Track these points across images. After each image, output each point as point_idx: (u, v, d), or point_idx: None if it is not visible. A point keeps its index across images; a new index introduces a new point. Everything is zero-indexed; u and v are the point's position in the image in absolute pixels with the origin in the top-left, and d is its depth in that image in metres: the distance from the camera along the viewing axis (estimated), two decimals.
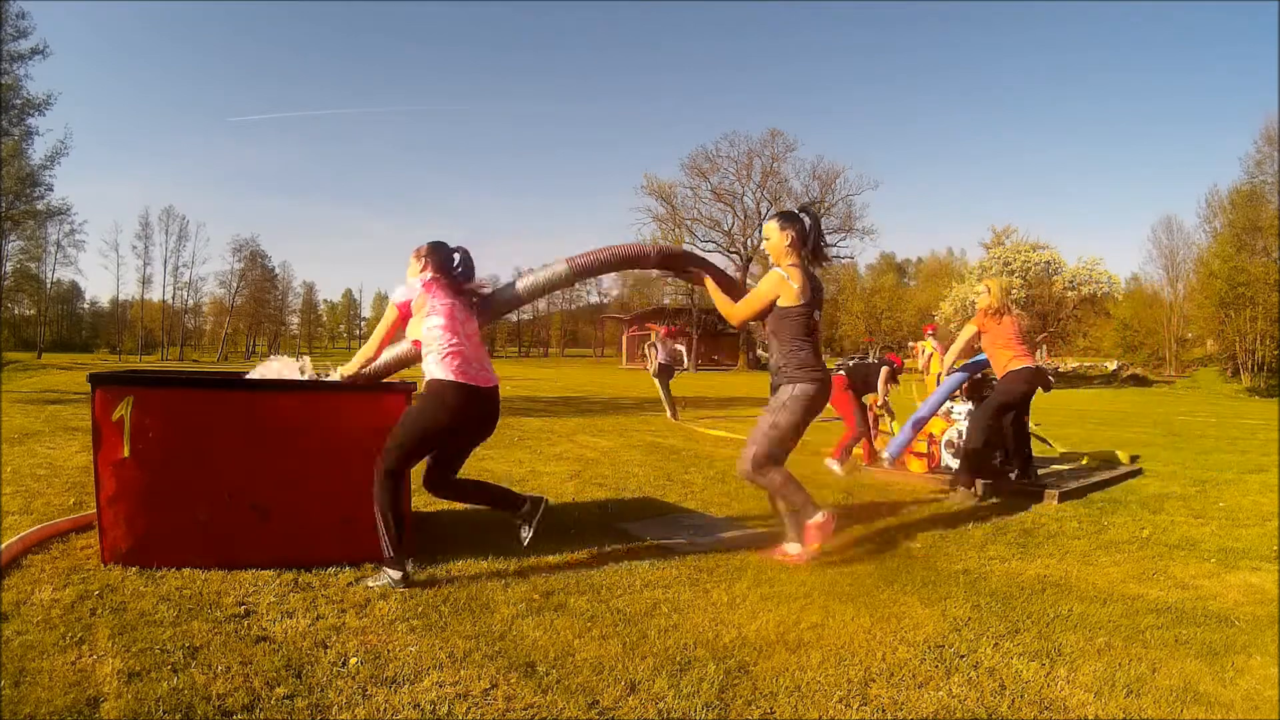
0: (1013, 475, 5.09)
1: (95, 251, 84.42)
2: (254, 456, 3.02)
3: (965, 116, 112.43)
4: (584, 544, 3.58)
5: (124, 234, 77.27)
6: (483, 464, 5.88)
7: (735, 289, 3.70)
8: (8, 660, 2.12)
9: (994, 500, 4.81)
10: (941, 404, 5.68)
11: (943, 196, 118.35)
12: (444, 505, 4.45)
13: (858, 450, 6.18)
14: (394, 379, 3.36)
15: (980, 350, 5.18)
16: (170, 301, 63.65)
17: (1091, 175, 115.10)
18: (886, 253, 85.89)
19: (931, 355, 11.26)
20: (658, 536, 3.73)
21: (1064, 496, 4.83)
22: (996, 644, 2.45)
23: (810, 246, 3.46)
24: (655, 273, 55.57)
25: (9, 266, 37.20)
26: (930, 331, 12.33)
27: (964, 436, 5.23)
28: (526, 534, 3.21)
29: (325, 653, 2.26)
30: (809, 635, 2.50)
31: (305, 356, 3.44)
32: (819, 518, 3.28)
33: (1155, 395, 24.26)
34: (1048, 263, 32.42)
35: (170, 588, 2.75)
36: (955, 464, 5.40)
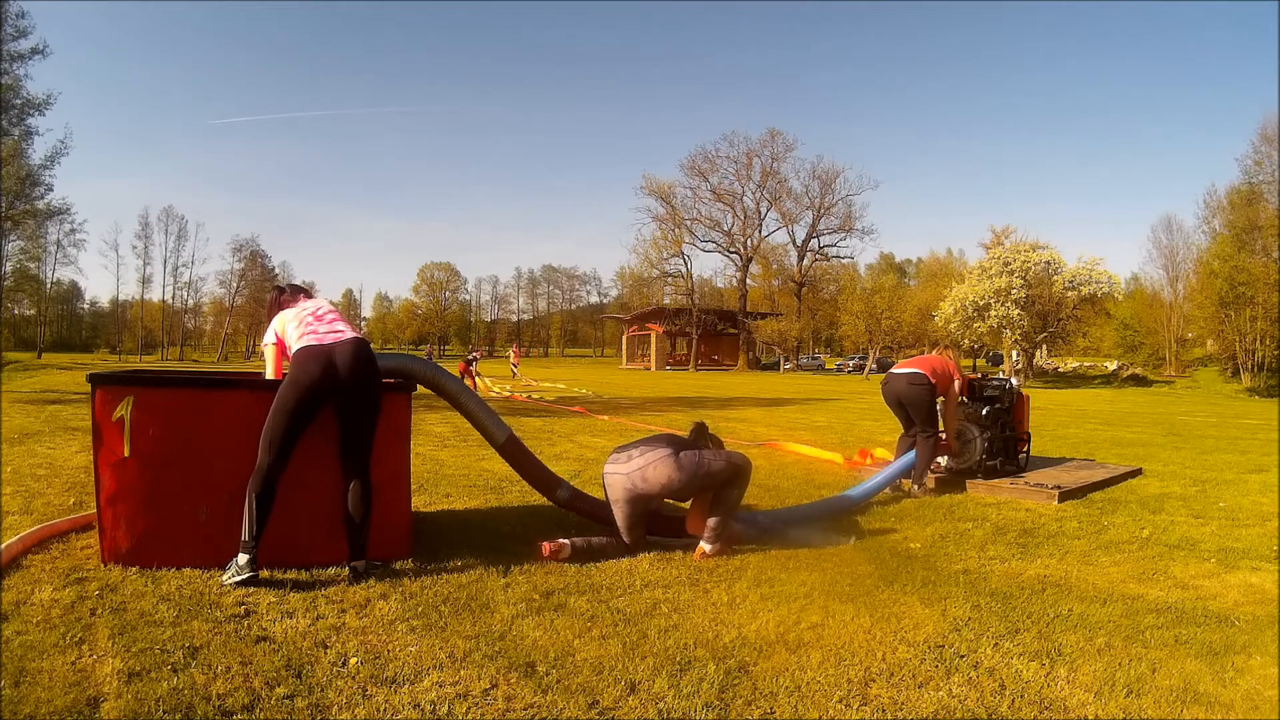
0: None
1: (95, 251, 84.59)
2: (254, 456, 3.02)
3: (966, 116, 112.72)
4: None
5: (124, 234, 77.61)
6: (482, 464, 5.87)
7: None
8: (8, 660, 2.12)
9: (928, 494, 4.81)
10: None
11: (943, 196, 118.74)
12: (444, 505, 4.45)
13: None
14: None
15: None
16: (170, 301, 63.72)
17: (1091, 175, 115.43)
18: (886, 253, 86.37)
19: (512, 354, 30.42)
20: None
21: (1064, 496, 4.83)
22: (996, 644, 2.45)
23: None
24: (656, 271, 56.10)
25: (9, 266, 37.12)
26: (515, 346, 27.92)
27: None
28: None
29: (325, 653, 2.26)
30: (809, 635, 2.50)
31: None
32: None
33: (1155, 395, 24.26)
34: (1048, 263, 32.34)
35: (170, 588, 2.75)
36: (954, 464, 5.41)
